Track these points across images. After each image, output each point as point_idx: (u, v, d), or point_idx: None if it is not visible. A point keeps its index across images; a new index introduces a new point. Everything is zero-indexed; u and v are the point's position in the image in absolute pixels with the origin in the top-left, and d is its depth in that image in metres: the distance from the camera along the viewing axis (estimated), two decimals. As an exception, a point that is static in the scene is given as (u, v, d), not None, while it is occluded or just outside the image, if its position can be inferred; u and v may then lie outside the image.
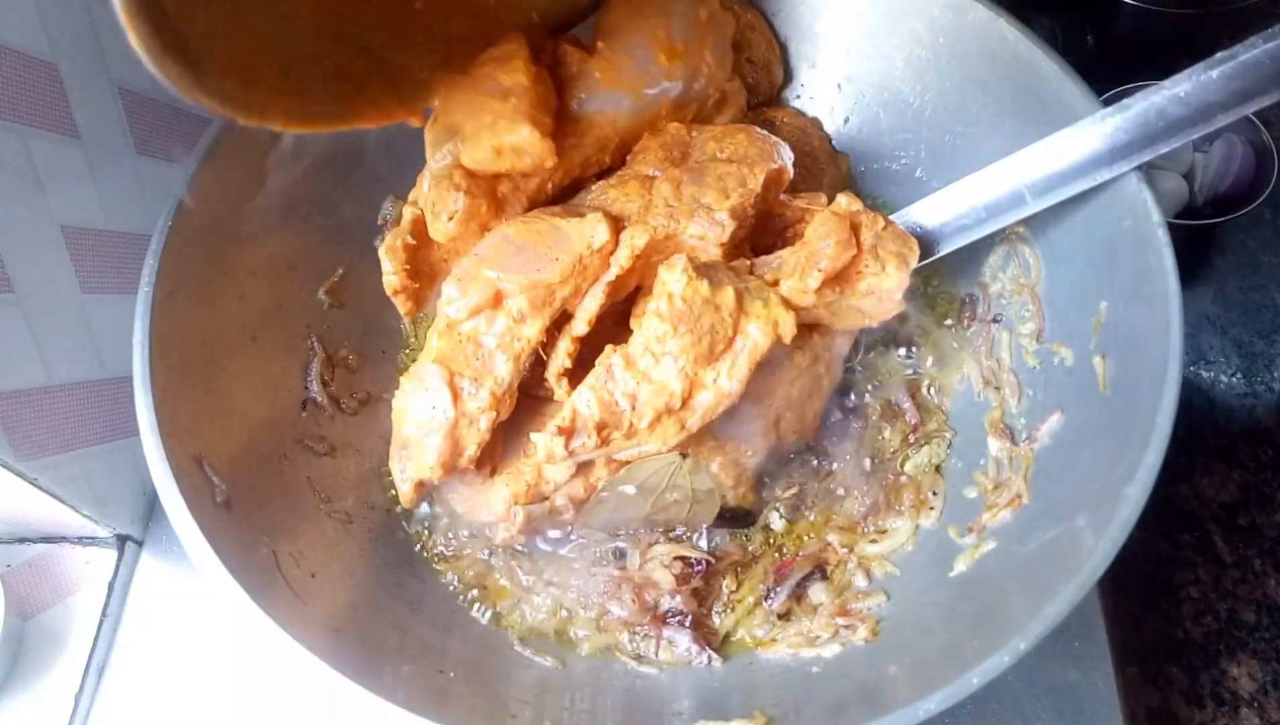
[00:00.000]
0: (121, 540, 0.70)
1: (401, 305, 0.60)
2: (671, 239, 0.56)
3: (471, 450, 0.56)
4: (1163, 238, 0.53)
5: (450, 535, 0.64)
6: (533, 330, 0.55)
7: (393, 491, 0.63)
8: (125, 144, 0.68)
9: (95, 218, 0.65)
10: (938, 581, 0.58)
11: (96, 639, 0.67)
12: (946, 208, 0.62)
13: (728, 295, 0.53)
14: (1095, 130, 0.55)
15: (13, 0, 0.57)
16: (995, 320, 0.66)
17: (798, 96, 0.75)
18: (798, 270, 0.56)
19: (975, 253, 0.65)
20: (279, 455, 0.61)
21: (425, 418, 0.55)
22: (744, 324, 0.53)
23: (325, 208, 0.68)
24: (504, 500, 0.57)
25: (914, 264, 0.58)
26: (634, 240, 0.55)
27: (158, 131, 0.71)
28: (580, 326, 0.57)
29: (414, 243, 0.60)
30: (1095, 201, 0.57)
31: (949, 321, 0.69)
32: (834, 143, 0.75)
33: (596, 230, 0.55)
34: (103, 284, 0.66)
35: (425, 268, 0.61)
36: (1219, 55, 0.51)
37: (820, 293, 0.56)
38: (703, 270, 0.53)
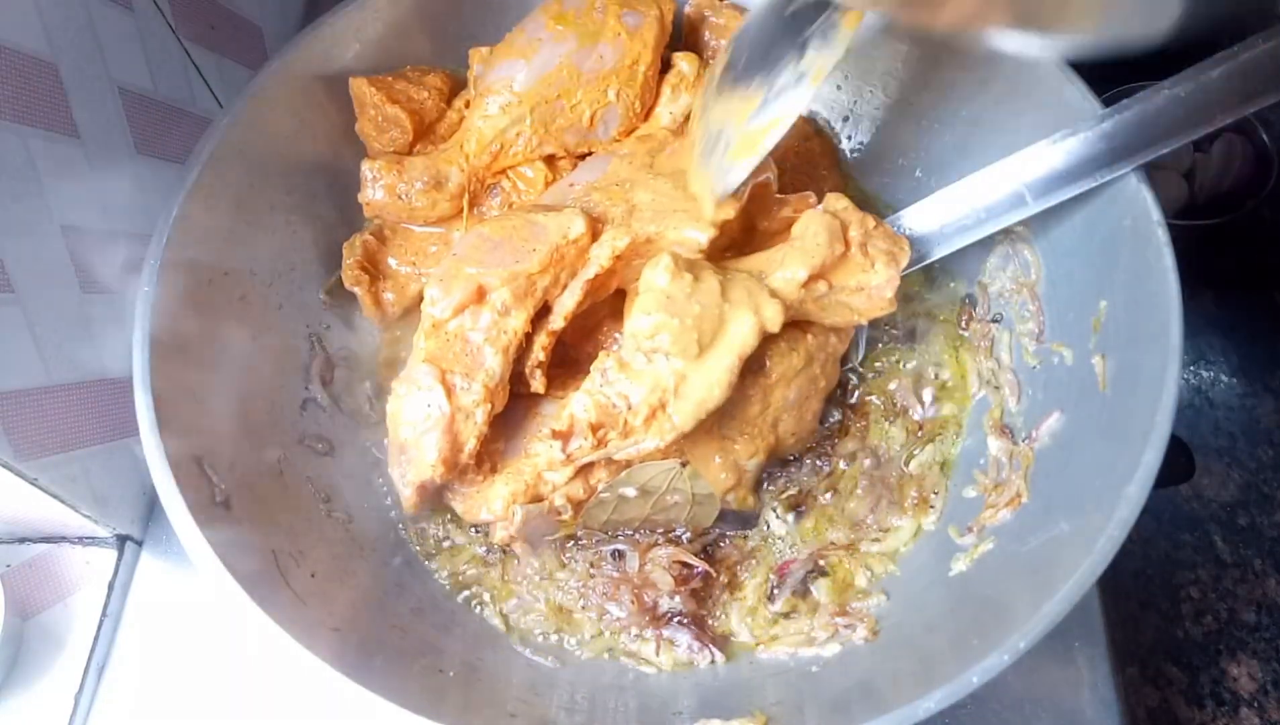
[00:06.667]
0: (121, 540, 0.70)
1: (362, 301, 0.66)
2: (653, 242, 0.57)
3: (471, 444, 0.56)
4: (1163, 237, 0.53)
5: (449, 535, 0.64)
6: (518, 321, 0.56)
7: (393, 496, 0.63)
8: (125, 144, 0.68)
9: (95, 218, 0.65)
10: (937, 581, 0.58)
11: (96, 639, 0.67)
12: (946, 209, 0.62)
13: (712, 287, 0.53)
14: (1095, 130, 0.55)
15: (13, 0, 0.57)
16: (995, 320, 0.66)
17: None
18: (784, 265, 0.56)
19: (975, 253, 0.65)
20: (279, 455, 0.61)
21: (421, 417, 0.56)
22: (730, 314, 0.53)
23: (325, 209, 0.69)
24: (503, 499, 0.57)
25: (904, 262, 0.58)
26: (615, 241, 0.56)
27: (158, 131, 0.71)
28: (557, 321, 0.58)
29: (374, 242, 0.67)
30: (1095, 201, 0.57)
31: (949, 321, 0.69)
32: (833, 143, 0.75)
33: (573, 222, 0.57)
34: (103, 284, 0.66)
35: (382, 268, 0.67)
36: (1219, 55, 0.51)
37: (808, 287, 0.56)
38: (686, 265, 0.54)
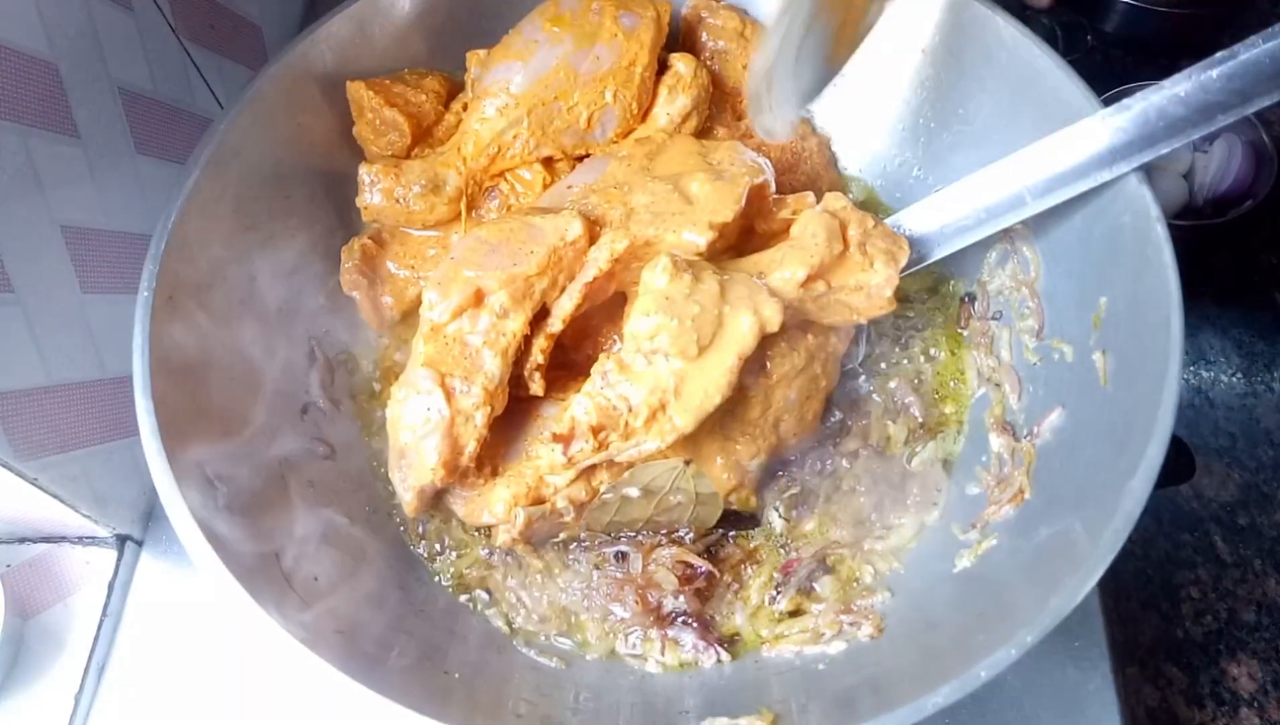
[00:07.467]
0: (121, 540, 0.70)
1: (361, 305, 0.67)
2: (651, 245, 0.57)
3: (471, 447, 0.56)
4: (1162, 233, 0.53)
5: (451, 537, 0.64)
6: (516, 324, 0.56)
7: (395, 499, 0.63)
8: (125, 144, 0.68)
9: (95, 218, 0.65)
10: (942, 578, 0.58)
11: (96, 639, 0.67)
12: (946, 209, 0.62)
13: (711, 287, 0.53)
14: (1095, 130, 0.55)
15: (13, 0, 0.57)
16: (995, 317, 0.66)
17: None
18: (783, 265, 0.56)
19: (974, 250, 0.65)
20: (280, 458, 0.61)
21: (420, 420, 0.55)
22: (729, 314, 0.53)
23: (324, 212, 0.68)
24: (504, 502, 0.57)
25: (903, 262, 0.58)
26: (614, 244, 0.56)
27: (158, 131, 0.71)
28: (556, 324, 0.58)
29: (372, 246, 0.67)
30: (1095, 198, 0.57)
31: (949, 319, 0.69)
32: (832, 144, 0.75)
33: (570, 224, 0.57)
34: (103, 284, 0.66)
35: (380, 272, 0.68)
36: (1219, 55, 0.51)
37: (807, 287, 0.56)
38: (685, 265, 0.54)
